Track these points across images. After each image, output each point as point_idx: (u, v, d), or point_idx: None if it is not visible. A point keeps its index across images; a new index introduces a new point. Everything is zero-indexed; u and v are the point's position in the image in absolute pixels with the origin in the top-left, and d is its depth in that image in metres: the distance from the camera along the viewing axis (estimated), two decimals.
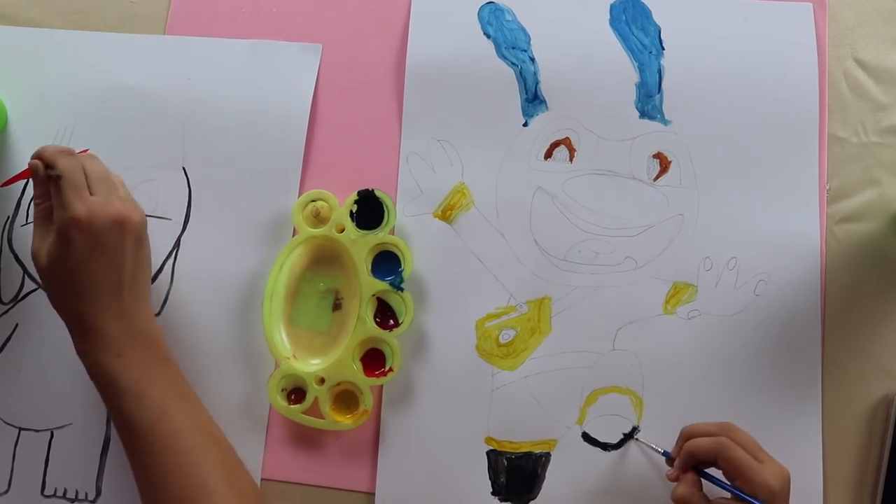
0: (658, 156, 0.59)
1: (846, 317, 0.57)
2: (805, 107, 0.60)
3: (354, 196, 0.58)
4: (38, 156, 0.51)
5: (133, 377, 0.49)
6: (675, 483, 0.51)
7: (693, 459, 0.51)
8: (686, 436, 0.52)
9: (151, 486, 0.49)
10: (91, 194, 0.50)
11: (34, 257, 0.50)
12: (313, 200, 0.58)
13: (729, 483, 0.50)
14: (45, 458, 0.58)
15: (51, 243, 0.49)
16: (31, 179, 0.55)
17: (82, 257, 0.48)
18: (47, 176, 0.50)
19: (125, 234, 0.50)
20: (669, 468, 0.53)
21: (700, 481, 0.51)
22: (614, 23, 0.61)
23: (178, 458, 0.48)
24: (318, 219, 0.58)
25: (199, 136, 0.61)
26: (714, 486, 0.50)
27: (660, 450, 0.55)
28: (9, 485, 0.58)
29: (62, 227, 0.48)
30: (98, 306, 0.49)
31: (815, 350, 0.57)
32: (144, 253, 0.52)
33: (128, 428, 0.49)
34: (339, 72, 0.62)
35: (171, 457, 0.48)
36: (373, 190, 0.57)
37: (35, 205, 0.51)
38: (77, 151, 0.52)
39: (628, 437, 0.56)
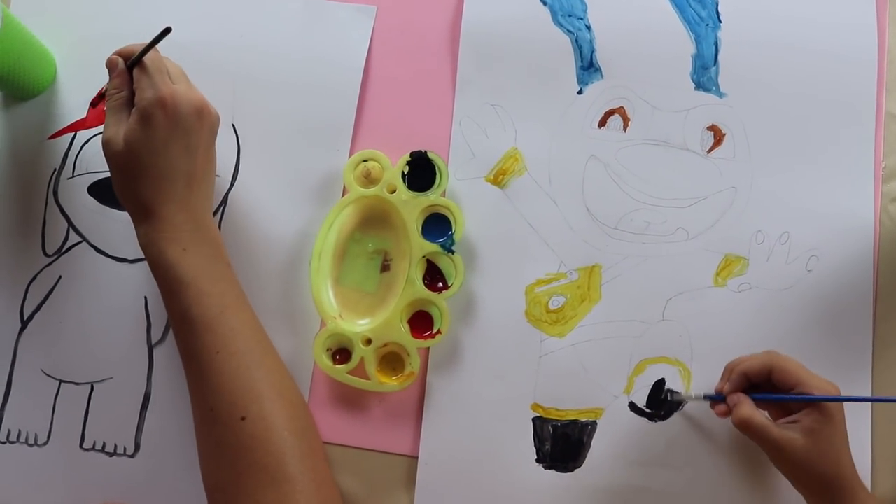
0: (712, 128, 0.59)
1: None
2: (863, 84, 0.59)
3: (407, 157, 0.57)
4: (118, 53, 0.51)
5: (196, 272, 0.49)
6: (728, 417, 0.51)
7: (745, 381, 0.50)
8: (732, 367, 0.52)
9: (205, 386, 0.48)
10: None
11: (107, 146, 0.50)
12: (365, 160, 0.58)
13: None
14: (84, 411, 0.57)
15: (130, 125, 0.49)
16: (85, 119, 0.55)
17: (162, 138, 0.49)
18: (128, 66, 0.51)
19: (203, 121, 0.50)
20: (716, 407, 0.52)
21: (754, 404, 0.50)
22: None
23: (233, 360, 0.48)
24: (369, 179, 0.58)
25: (250, 93, 0.60)
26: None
27: (700, 394, 0.54)
28: (48, 436, 0.57)
29: (146, 106, 0.49)
30: (170, 194, 0.49)
31: (866, 328, 0.56)
32: (214, 152, 0.53)
33: (186, 324, 0.49)
34: (394, 34, 0.61)
35: (227, 357, 0.48)
36: (426, 151, 0.57)
37: (110, 96, 0.51)
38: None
39: (657, 391, 0.55)
